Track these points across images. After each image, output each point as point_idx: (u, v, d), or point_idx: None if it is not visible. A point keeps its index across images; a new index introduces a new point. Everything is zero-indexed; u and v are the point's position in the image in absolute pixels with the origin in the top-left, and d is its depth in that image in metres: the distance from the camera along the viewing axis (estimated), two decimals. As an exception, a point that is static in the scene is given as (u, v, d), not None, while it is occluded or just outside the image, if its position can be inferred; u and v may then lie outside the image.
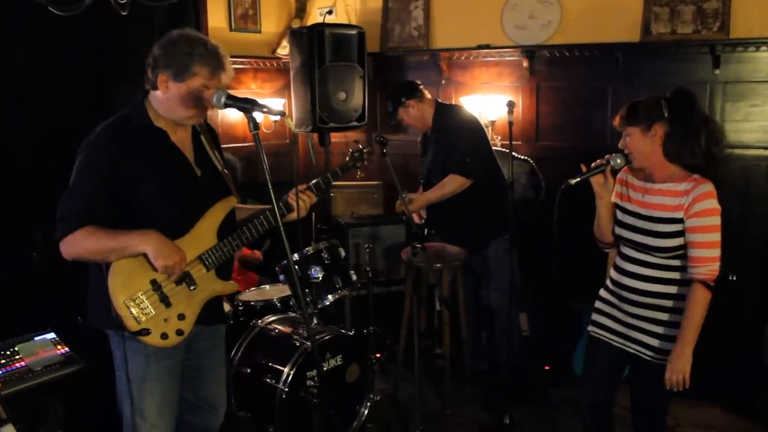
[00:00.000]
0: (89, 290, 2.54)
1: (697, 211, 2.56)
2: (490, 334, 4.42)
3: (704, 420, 3.98)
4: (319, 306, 3.62)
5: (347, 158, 3.10)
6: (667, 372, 2.60)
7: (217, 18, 5.20)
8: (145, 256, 2.34)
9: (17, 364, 3.08)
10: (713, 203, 2.57)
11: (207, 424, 2.83)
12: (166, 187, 2.44)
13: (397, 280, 4.77)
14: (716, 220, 2.58)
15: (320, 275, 3.58)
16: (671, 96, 2.65)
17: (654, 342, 2.70)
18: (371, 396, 3.73)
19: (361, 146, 3.12)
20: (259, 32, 5.59)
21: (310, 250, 3.66)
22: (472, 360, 4.40)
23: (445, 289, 4.20)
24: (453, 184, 4.09)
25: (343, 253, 3.80)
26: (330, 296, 3.63)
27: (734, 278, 4.33)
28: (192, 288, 2.49)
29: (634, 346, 2.77)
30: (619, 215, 2.80)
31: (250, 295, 4.14)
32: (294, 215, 2.70)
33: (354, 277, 3.80)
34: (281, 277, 3.76)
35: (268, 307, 3.94)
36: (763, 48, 4.27)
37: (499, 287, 4.18)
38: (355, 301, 4.37)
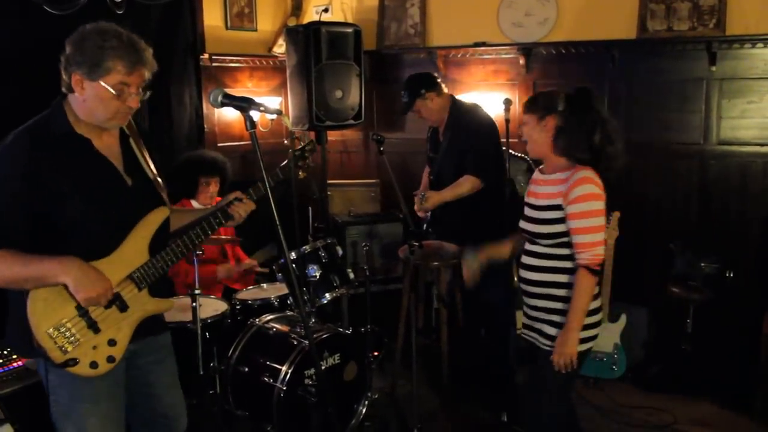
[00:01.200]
0: (9, 312, 2.27)
1: (575, 197, 2.60)
2: (488, 332, 4.42)
3: (701, 416, 3.98)
4: (317, 305, 3.61)
5: (286, 161, 2.81)
6: (554, 355, 2.66)
7: (213, 16, 5.20)
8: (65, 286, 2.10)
9: (14, 364, 3.07)
10: (591, 188, 2.60)
11: None
12: (92, 201, 2.18)
13: (395, 278, 4.78)
14: (595, 205, 2.61)
15: (318, 274, 3.58)
16: (572, 93, 2.72)
17: (551, 331, 2.74)
18: (369, 394, 3.72)
19: (302, 143, 2.88)
20: (255, 31, 5.58)
21: (307, 248, 3.66)
22: (470, 358, 4.40)
23: (443, 287, 4.20)
24: (468, 184, 4.06)
25: (340, 252, 3.80)
26: (327, 295, 3.63)
27: (731, 275, 4.35)
28: (122, 311, 2.24)
29: (533, 335, 2.85)
30: (524, 209, 2.90)
31: (248, 293, 4.13)
32: (233, 222, 2.48)
33: (351, 276, 3.80)
34: (278, 275, 3.75)
35: (265, 305, 3.93)
36: (759, 44, 4.28)
37: (497, 285, 4.17)
38: (352, 299, 4.37)
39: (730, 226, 4.53)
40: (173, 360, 2.61)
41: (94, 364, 2.18)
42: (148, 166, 2.42)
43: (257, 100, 2.19)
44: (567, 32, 4.88)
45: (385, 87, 5.67)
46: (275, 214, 2.21)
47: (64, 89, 2.21)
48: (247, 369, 3.50)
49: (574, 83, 4.81)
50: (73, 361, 2.14)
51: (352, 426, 3.65)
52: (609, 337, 4.37)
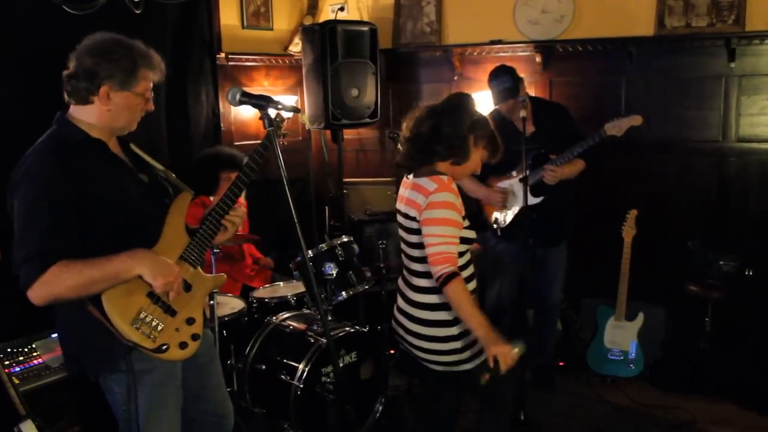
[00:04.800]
0: (66, 340, 2.35)
1: None
2: (503, 330, 4.40)
3: (720, 416, 3.95)
4: (334, 302, 3.62)
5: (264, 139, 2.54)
6: None
7: (229, 16, 5.21)
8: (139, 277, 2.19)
9: (35, 361, 3.11)
10: None
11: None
12: (124, 201, 2.26)
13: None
14: None
15: (334, 272, 3.59)
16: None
17: None
18: (386, 392, 3.73)
19: (273, 116, 2.63)
20: (272, 29, 5.59)
21: (324, 246, 3.67)
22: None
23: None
24: (581, 164, 4.02)
25: (356, 250, 3.80)
26: (344, 292, 3.64)
27: (750, 273, 4.31)
28: (188, 290, 2.36)
29: None
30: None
31: (264, 292, 4.15)
32: (224, 236, 2.54)
33: (368, 274, 3.81)
34: (295, 273, 3.77)
35: (282, 303, 3.95)
36: (780, 41, 4.24)
37: (511, 283, 4.16)
38: (368, 297, 4.37)
39: (749, 224, 4.49)
40: (218, 358, 2.73)
41: (183, 345, 2.29)
42: (153, 160, 2.51)
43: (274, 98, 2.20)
44: (584, 29, 4.85)
45: (401, 85, 5.67)
46: (293, 212, 2.22)
47: (72, 101, 2.25)
48: (264, 367, 3.52)
49: (591, 81, 4.88)
50: (165, 346, 2.22)
51: (368, 424, 3.65)
52: (626, 335, 4.36)
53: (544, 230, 3.93)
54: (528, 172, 3.79)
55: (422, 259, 2.61)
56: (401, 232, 2.73)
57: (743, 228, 4.50)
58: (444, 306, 2.61)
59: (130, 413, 2.31)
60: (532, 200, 3.86)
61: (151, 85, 2.31)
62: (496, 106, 4.02)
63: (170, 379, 2.38)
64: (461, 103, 2.69)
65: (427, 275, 2.61)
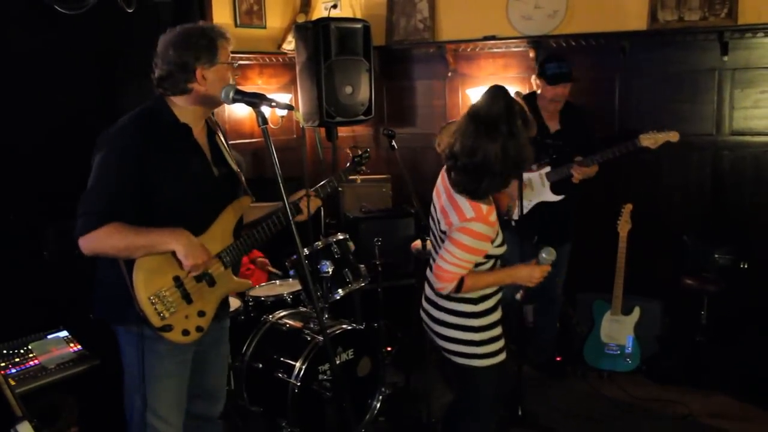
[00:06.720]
0: (99, 283, 2.52)
1: None
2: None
3: (717, 408, 3.96)
4: (330, 300, 3.62)
5: (348, 164, 3.22)
6: None
7: (221, 14, 5.20)
8: (173, 254, 2.34)
9: (31, 363, 3.09)
10: None
11: (206, 412, 2.82)
12: (188, 185, 2.43)
13: (407, 273, 4.77)
14: None
15: (330, 269, 3.58)
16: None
17: None
18: (383, 389, 3.73)
19: (360, 151, 3.20)
20: (264, 28, 5.58)
21: (320, 244, 3.66)
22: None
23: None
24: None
25: (352, 247, 3.80)
26: (340, 290, 3.64)
27: (745, 265, 4.32)
28: (211, 285, 2.51)
29: None
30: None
31: (261, 290, 4.15)
32: (302, 216, 2.79)
33: (364, 271, 3.80)
34: (291, 271, 3.76)
35: (278, 302, 3.94)
36: (772, 34, 4.24)
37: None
38: (365, 294, 4.37)
39: (744, 217, 4.50)
40: (228, 344, 2.86)
41: (185, 332, 2.43)
42: (232, 159, 2.68)
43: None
44: (577, 24, 4.85)
45: (395, 82, 5.67)
46: (289, 210, 2.23)
47: (172, 94, 2.42)
48: (261, 365, 3.52)
49: (584, 76, 4.87)
50: (169, 327, 2.38)
51: (366, 421, 3.65)
52: (623, 329, 4.37)
53: (555, 229, 3.96)
54: (550, 169, 3.85)
55: None
56: (432, 224, 2.74)
57: (738, 221, 4.51)
58: (466, 300, 2.65)
59: (136, 377, 2.47)
60: (553, 197, 3.91)
61: (230, 51, 2.46)
62: (539, 90, 4.06)
63: (182, 351, 2.51)
64: (518, 113, 2.52)
65: None
